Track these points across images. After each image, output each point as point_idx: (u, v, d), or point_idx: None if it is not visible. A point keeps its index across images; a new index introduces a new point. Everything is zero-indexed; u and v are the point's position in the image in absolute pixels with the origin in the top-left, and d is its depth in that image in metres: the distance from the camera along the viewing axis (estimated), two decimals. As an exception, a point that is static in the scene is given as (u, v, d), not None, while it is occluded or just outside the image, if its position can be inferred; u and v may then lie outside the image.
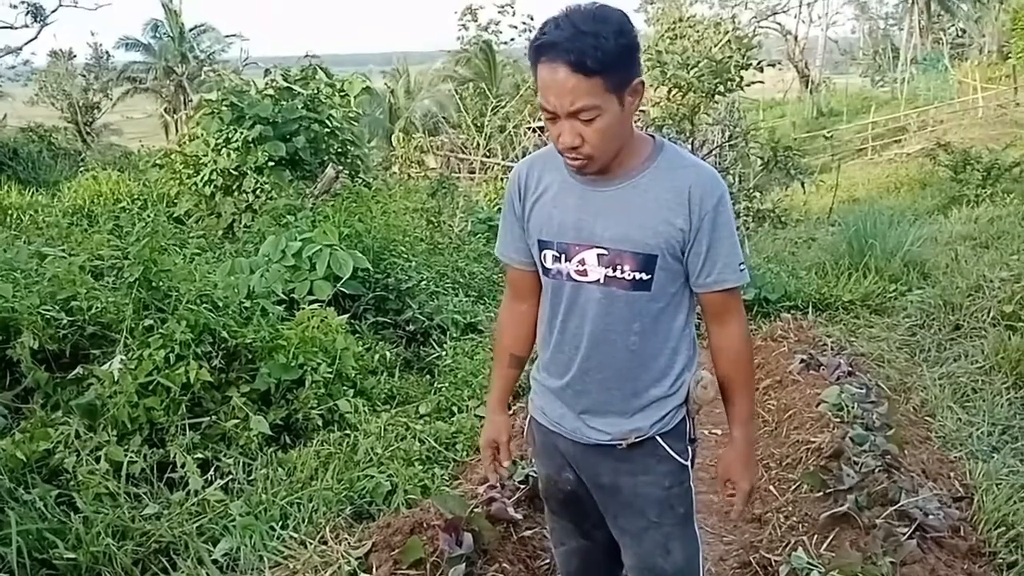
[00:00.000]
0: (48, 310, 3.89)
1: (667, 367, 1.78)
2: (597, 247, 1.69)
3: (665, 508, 1.83)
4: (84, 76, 33.42)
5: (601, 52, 1.51)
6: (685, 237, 1.67)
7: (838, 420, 3.70)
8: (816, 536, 2.83)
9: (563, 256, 1.73)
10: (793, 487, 3.31)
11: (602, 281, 1.71)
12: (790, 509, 3.15)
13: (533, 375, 1.95)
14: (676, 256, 1.69)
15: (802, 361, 4.56)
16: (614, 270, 1.69)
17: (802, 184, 13.23)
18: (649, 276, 1.68)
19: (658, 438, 1.79)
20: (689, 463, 1.85)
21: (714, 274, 1.71)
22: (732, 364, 1.80)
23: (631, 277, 1.69)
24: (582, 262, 1.71)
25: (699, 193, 1.66)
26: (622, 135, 1.64)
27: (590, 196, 1.70)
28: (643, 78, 1.62)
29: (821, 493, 3.10)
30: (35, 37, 26.86)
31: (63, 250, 4.89)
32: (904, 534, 2.68)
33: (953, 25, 41.73)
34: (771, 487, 3.41)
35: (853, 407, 3.76)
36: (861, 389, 4.01)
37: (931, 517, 2.81)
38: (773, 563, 2.79)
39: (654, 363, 1.77)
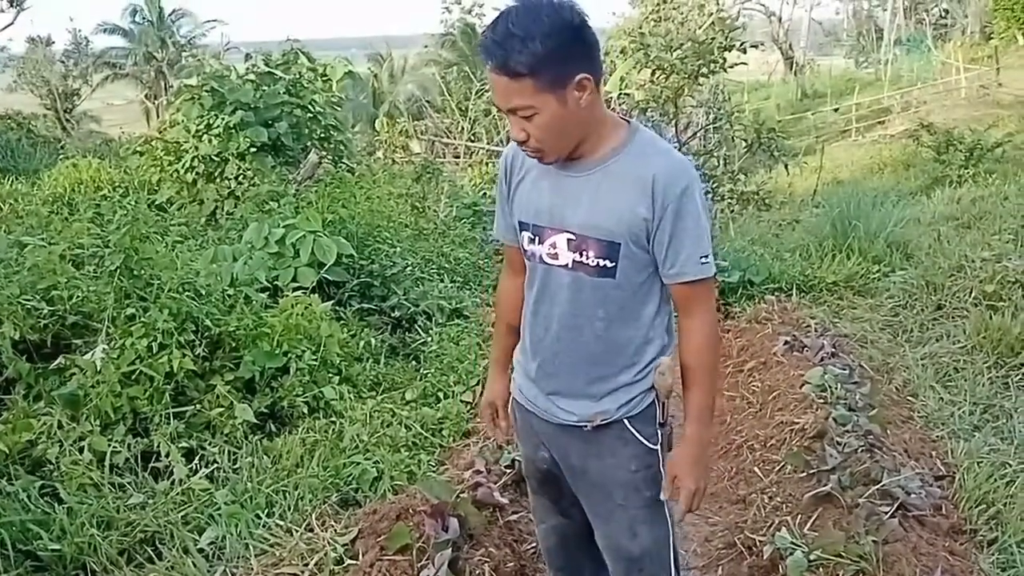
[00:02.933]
0: (29, 300, 3.85)
1: (637, 355, 1.78)
2: (567, 232, 1.72)
3: (631, 491, 1.84)
4: (63, 62, 32.97)
5: (526, 55, 1.54)
6: (649, 226, 1.67)
7: (822, 401, 3.72)
8: (800, 516, 2.86)
9: (537, 239, 1.77)
10: (777, 468, 3.34)
11: (570, 266, 1.74)
12: (774, 490, 3.18)
13: (516, 356, 1.99)
14: (641, 245, 1.69)
15: (786, 343, 4.58)
16: (581, 255, 1.72)
17: (786, 166, 13.27)
18: (613, 264, 1.70)
19: (625, 421, 1.81)
20: (659, 448, 1.84)
21: (676, 266, 1.70)
22: (693, 356, 1.78)
23: (595, 264, 1.71)
24: (553, 245, 1.75)
25: (663, 182, 1.65)
26: (574, 129, 1.65)
27: (563, 181, 1.73)
28: (587, 74, 1.60)
29: (805, 473, 3.13)
30: (12, 23, 26.51)
31: (43, 239, 4.82)
32: (886, 513, 2.71)
33: (936, 6, 41.78)
34: (755, 468, 3.43)
35: (836, 388, 3.79)
36: (844, 370, 4.03)
37: (913, 496, 2.84)
38: (758, 543, 2.81)
39: (623, 350, 1.78)
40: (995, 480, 3.11)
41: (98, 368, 3.54)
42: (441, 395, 4.30)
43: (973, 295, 5.23)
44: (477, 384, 4.28)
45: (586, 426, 1.81)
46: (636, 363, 1.79)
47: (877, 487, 2.85)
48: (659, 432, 1.84)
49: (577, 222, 1.71)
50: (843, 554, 2.48)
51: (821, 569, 2.50)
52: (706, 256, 1.70)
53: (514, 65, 1.55)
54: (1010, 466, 3.24)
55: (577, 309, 1.76)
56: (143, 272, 4.10)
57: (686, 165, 1.71)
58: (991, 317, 4.78)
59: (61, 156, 12.64)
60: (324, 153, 8.53)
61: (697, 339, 1.78)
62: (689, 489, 1.80)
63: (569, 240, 1.72)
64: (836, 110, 21.54)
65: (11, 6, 25.62)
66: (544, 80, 1.57)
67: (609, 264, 1.70)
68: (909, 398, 4.14)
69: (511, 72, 1.56)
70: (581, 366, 1.80)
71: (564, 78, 1.58)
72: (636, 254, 1.69)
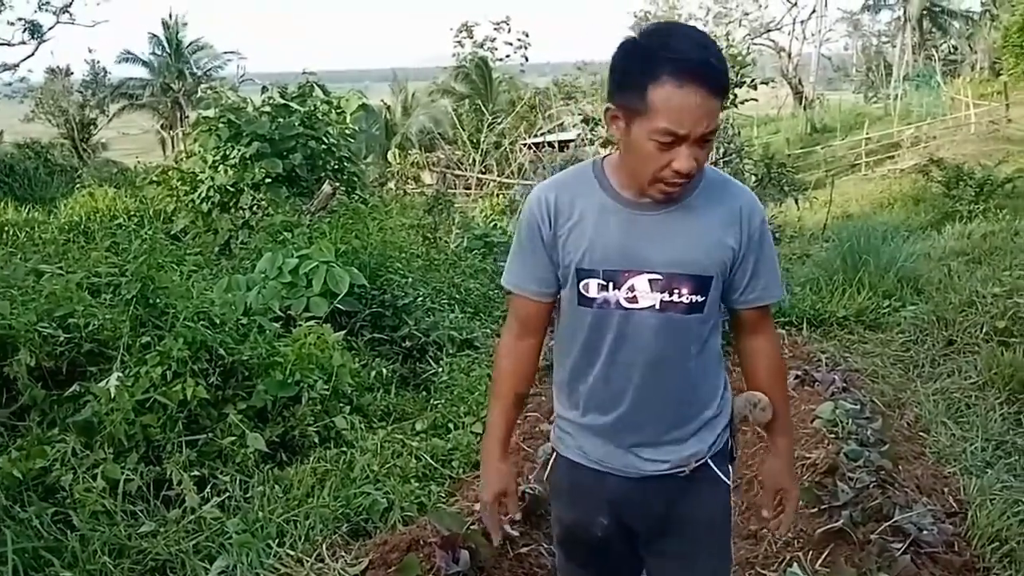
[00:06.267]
0: (45, 327, 3.89)
1: (714, 387, 1.76)
2: (649, 272, 1.63)
3: (715, 530, 1.81)
4: (81, 93, 33.47)
5: (726, 70, 1.52)
6: (735, 256, 1.66)
7: (833, 436, 3.72)
8: (811, 552, 2.85)
9: (611, 284, 1.65)
10: (788, 503, 3.32)
11: (658, 307, 1.64)
12: (785, 525, 3.16)
13: (560, 414, 1.83)
14: (725, 276, 1.68)
15: (797, 377, 4.58)
16: (670, 295, 1.64)
17: (796, 200, 13.32)
18: (703, 298, 1.65)
19: (709, 461, 1.76)
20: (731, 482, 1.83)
21: (758, 290, 1.72)
22: (773, 375, 1.81)
23: (688, 300, 1.64)
24: (632, 288, 1.64)
25: (748, 212, 1.67)
26: None
27: (638, 220, 1.64)
28: None
29: (816, 509, 3.12)
30: (32, 54, 27.00)
31: (60, 267, 4.89)
32: (898, 550, 2.70)
33: (945, 42, 42.07)
34: (767, 503, 3.42)
35: (848, 423, 3.78)
36: (855, 405, 4.03)
37: (925, 532, 2.83)
38: (769, 579, 2.80)
39: (704, 385, 1.75)
40: (1008, 517, 3.09)
41: (112, 396, 3.56)
42: (451, 426, 4.30)
43: (984, 331, 5.23)
44: (487, 415, 4.27)
45: (682, 472, 1.73)
46: (714, 398, 1.76)
47: (889, 523, 2.85)
48: (730, 467, 1.82)
49: (662, 260, 1.62)
50: (855, 591, 2.47)
51: (833, 606, 2.48)
52: (779, 279, 1.76)
53: (725, 83, 1.50)
54: (1023, 503, 3.22)
55: (666, 351, 1.67)
56: (158, 301, 4.15)
57: (755, 195, 1.73)
58: (1003, 353, 4.77)
59: (77, 185, 12.82)
60: (338, 184, 8.63)
61: (772, 356, 1.81)
62: (796, 497, 1.85)
63: (652, 281, 1.63)
64: (869, 138, 21.72)
65: (32, 37, 26.12)
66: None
67: (700, 299, 1.65)
68: (921, 433, 4.12)
69: (724, 91, 1.50)
70: (669, 410, 1.72)
71: None
72: (720, 285, 1.68)
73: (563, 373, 1.79)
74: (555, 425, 1.86)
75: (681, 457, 1.73)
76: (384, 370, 5.01)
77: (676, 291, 1.63)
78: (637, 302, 1.64)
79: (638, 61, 1.51)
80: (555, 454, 1.86)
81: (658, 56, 1.48)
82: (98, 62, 34.71)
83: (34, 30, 25.92)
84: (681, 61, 1.47)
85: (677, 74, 1.46)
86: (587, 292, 1.67)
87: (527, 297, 1.76)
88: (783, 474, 1.84)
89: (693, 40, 1.50)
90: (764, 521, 1.86)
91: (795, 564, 2.76)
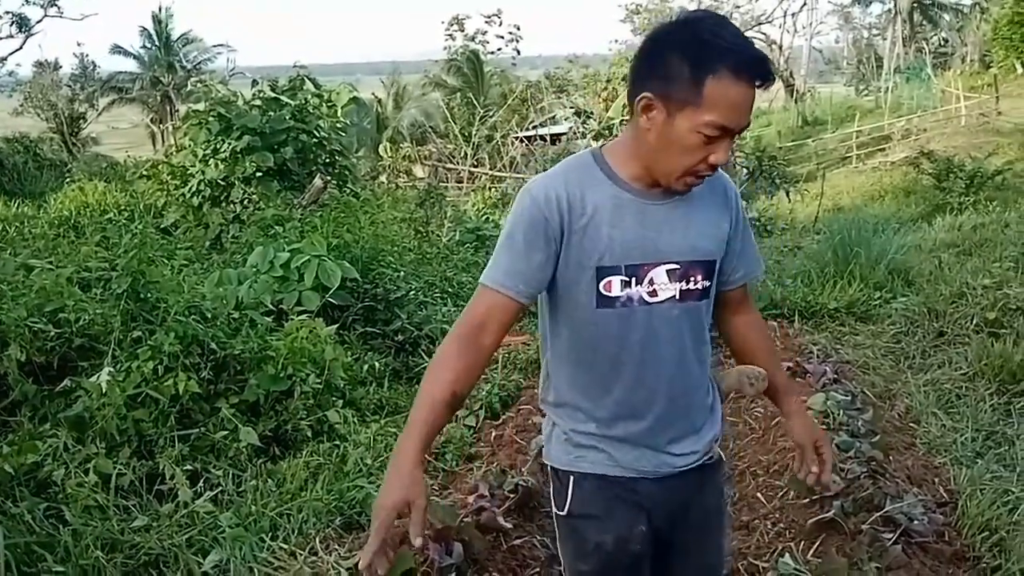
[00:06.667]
0: (35, 322, 3.88)
1: (708, 371, 1.76)
2: (666, 263, 1.60)
3: (722, 513, 1.85)
4: (70, 86, 33.29)
5: None
6: (727, 237, 1.68)
7: (824, 427, 3.73)
8: (803, 542, 2.86)
9: (633, 279, 1.59)
10: (780, 494, 3.34)
11: (678, 297, 1.62)
12: (777, 516, 3.18)
13: (578, 430, 1.70)
14: (722, 258, 1.69)
15: (788, 369, 4.59)
16: (687, 283, 1.62)
17: (787, 193, 13.37)
18: (710, 283, 1.66)
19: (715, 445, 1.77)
20: None
21: (742, 268, 1.75)
22: (770, 344, 1.90)
23: (701, 287, 1.64)
24: (651, 282, 1.60)
25: (732, 193, 1.71)
26: None
27: (650, 211, 1.60)
28: None
29: (807, 499, 3.13)
30: (20, 48, 26.89)
31: (50, 262, 4.87)
32: (889, 539, 2.71)
33: (935, 35, 42.20)
34: (758, 494, 3.43)
35: (839, 414, 3.79)
36: (847, 396, 4.05)
37: (916, 522, 2.84)
38: (761, 569, 2.81)
39: (705, 369, 1.74)
40: (998, 507, 3.11)
41: (104, 390, 3.55)
42: (444, 419, 4.29)
43: (975, 322, 5.25)
44: (480, 408, 4.28)
45: (711, 458, 1.74)
46: (710, 380, 1.76)
47: (880, 513, 2.86)
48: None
49: (678, 249, 1.60)
50: (846, 580, 2.48)
51: (824, 595, 2.50)
52: (758, 254, 1.80)
53: (773, 77, 1.49)
54: (1013, 493, 3.24)
55: (686, 341, 1.65)
56: (149, 295, 4.14)
57: None
58: (992, 344, 4.79)
59: (67, 179, 12.75)
60: (329, 178, 8.62)
61: (764, 327, 1.89)
62: (830, 442, 1.87)
63: (670, 271, 1.60)
64: (860, 131, 21.92)
65: (19, 31, 25.96)
66: None
67: (708, 284, 1.65)
68: (911, 424, 4.14)
69: (768, 85, 1.48)
70: (692, 400, 1.71)
71: None
72: (718, 268, 1.69)
73: (578, 389, 1.70)
74: (564, 443, 1.73)
75: (704, 445, 1.73)
76: (377, 364, 5.01)
77: (692, 279, 1.62)
78: (657, 295, 1.61)
79: (692, 51, 1.44)
80: (571, 479, 1.72)
81: (716, 47, 1.43)
82: (87, 55, 34.59)
83: (22, 23, 25.77)
84: (739, 54, 1.43)
85: (736, 67, 1.42)
86: (608, 291, 1.59)
87: (509, 296, 1.59)
88: (812, 427, 1.84)
89: (739, 32, 1.48)
90: (815, 476, 1.80)
91: (787, 554, 2.77)
